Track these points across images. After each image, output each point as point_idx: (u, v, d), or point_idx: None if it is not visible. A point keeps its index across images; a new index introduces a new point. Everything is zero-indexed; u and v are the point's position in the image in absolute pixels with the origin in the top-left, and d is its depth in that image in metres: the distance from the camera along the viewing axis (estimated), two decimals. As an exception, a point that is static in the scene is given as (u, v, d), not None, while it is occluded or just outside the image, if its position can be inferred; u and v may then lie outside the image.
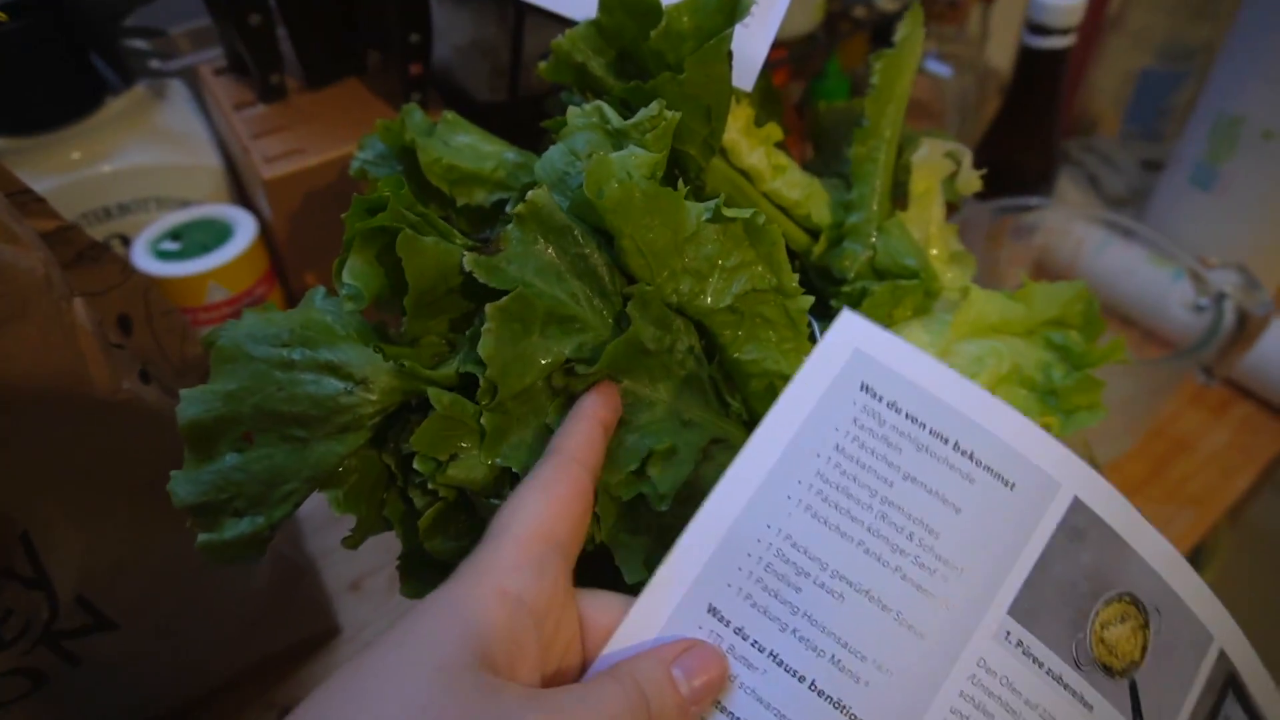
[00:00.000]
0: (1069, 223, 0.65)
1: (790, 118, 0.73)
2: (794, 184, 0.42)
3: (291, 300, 0.65)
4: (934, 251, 0.43)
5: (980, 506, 0.27)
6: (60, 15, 0.57)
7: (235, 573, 0.43)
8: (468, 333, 0.31)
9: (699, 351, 0.33)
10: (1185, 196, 0.72)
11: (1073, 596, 0.27)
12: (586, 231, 0.31)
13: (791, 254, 0.35)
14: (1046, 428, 0.28)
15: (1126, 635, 0.27)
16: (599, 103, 0.34)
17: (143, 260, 0.57)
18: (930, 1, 0.76)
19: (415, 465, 0.29)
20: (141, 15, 0.62)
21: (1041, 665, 0.26)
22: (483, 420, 0.30)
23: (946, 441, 0.27)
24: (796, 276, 0.34)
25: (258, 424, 0.29)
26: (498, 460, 0.30)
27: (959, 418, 0.27)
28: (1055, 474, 0.27)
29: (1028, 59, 0.67)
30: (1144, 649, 0.28)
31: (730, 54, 0.34)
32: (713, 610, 0.27)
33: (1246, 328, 0.57)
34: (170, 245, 0.58)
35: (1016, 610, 0.26)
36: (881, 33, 0.77)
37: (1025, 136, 0.70)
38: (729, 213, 0.32)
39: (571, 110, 0.34)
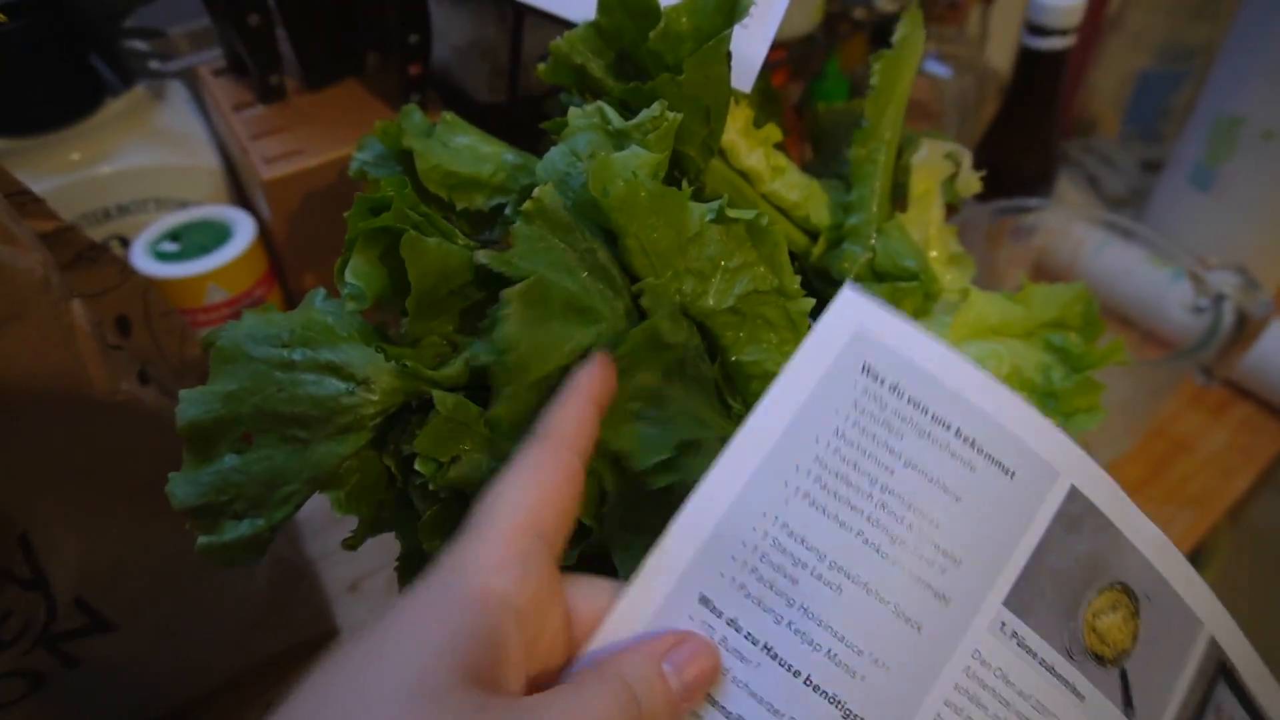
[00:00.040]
0: (1068, 224, 0.65)
1: (790, 118, 0.73)
2: (793, 185, 0.42)
3: (291, 301, 0.65)
4: (933, 253, 0.43)
5: (981, 495, 0.26)
6: (60, 16, 0.57)
7: (234, 574, 0.43)
8: (481, 324, 0.30)
9: (703, 352, 0.33)
10: (1184, 197, 0.72)
11: (1067, 586, 0.27)
12: (590, 230, 0.31)
13: (791, 255, 0.35)
14: (1045, 422, 0.28)
15: (1118, 624, 0.27)
16: (600, 103, 0.34)
17: (142, 261, 0.56)
18: (930, 2, 0.76)
19: (417, 467, 0.29)
20: (141, 16, 0.62)
21: (1035, 656, 0.26)
22: (491, 412, 0.29)
23: (949, 428, 0.26)
24: (798, 279, 0.34)
25: (258, 425, 0.29)
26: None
27: (961, 402, 0.27)
28: (1055, 462, 0.27)
29: (1027, 60, 0.67)
30: (1135, 637, 0.27)
31: (729, 55, 0.34)
32: (705, 601, 0.25)
33: (1246, 328, 0.57)
34: (169, 246, 0.58)
35: (1012, 601, 0.26)
36: (881, 33, 0.77)
37: (1025, 137, 0.70)
38: (732, 213, 0.32)
39: (572, 111, 0.34)
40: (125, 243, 0.62)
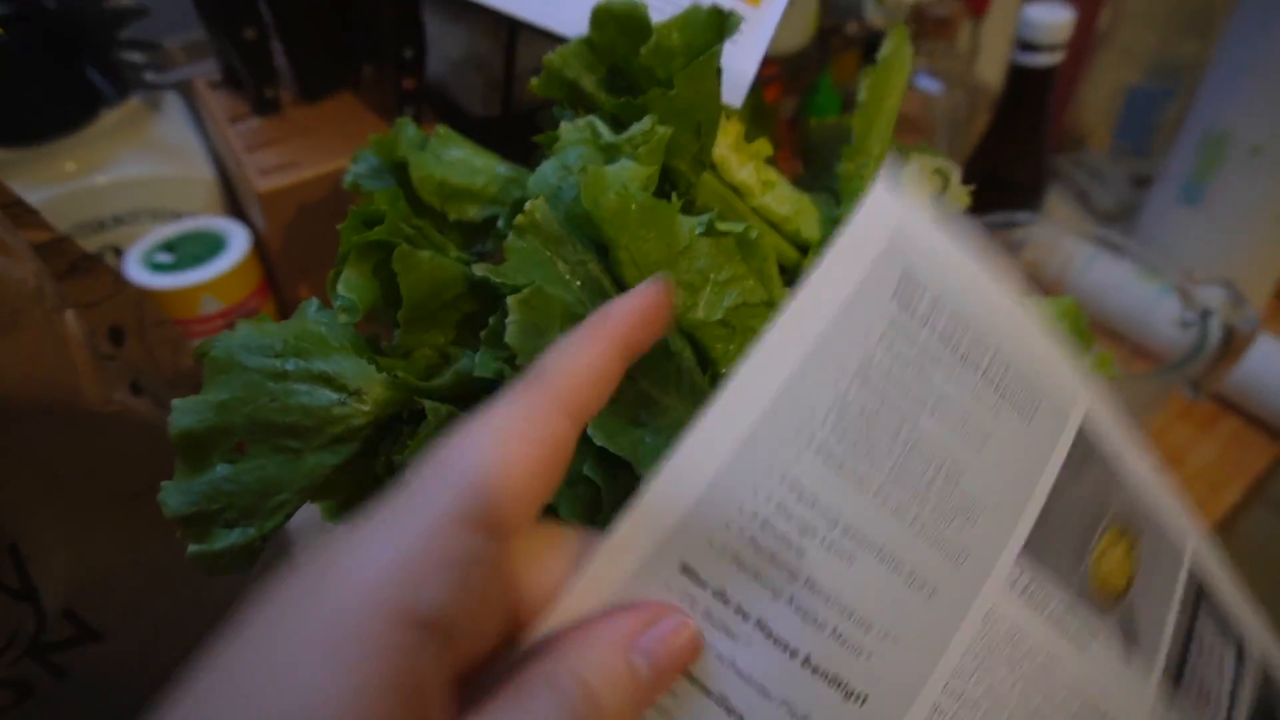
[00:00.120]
0: (1057, 238, 0.66)
1: (783, 133, 0.73)
2: (783, 199, 0.43)
3: (285, 312, 0.65)
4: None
5: (1003, 441, 0.23)
6: (55, 27, 0.58)
7: (224, 584, 0.43)
8: (482, 333, 0.30)
9: (696, 364, 0.33)
10: (1173, 212, 0.72)
11: (1076, 529, 0.24)
12: (582, 243, 0.31)
13: (781, 269, 0.36)
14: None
15: (1119, 561, 0.25)
16: (591, 118, 0.34)
17: (136, 272, 0.57)
18: (921, 18, 0.77)
19: (407, 477, 0.29)
20: (137, 28, 0.62)
21: (1044, 610, 0.24)
22: None
23: (977, 367, 0.23)
24: (787, 292, 0.34)
25: (250, 435, 0.29)
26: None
27: (990, 336, 0.23)
28: (1068, 397, 0.24)
29: (1017, 75, 0.67)
30: (1134, 573, 0.26)
31: (719, 71, 0.35)
32: (687, 570, 0.21)
33: (1233, 343, 0.57)
34: (164, 257, 0.58)
35: (1026, 553, 0.23)
36: (874, 48, 0.77)
37: (1015, 152, 0.71)
38: (722, 227, 0.32)
39: (564, 125, 0.35)
40: (120, 253, 0.62)
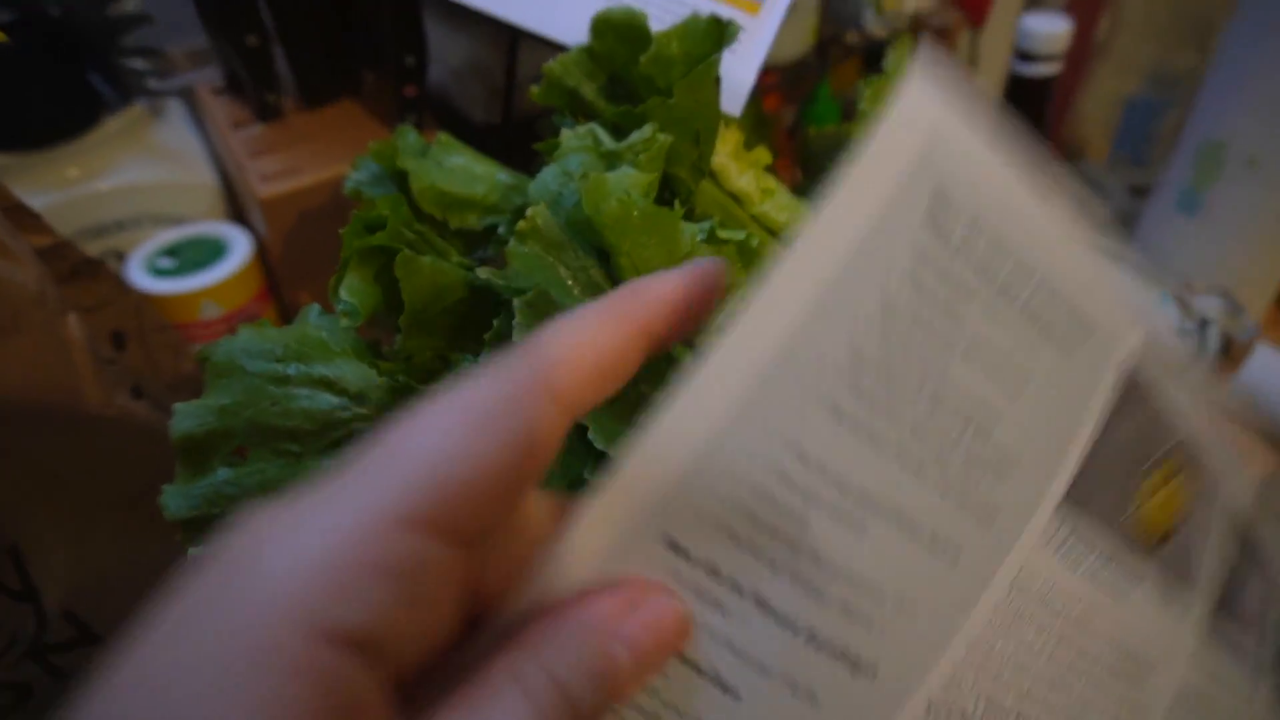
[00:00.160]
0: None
1: (782, 141, 0.73)
2: (783, 207, 0.43)
3: (286, 317, 0.65)
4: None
5: (1043, 383, 0.20)
6: (59, 34, 0.58)
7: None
8: (486, 335, 0.30)
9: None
10: (1172, 221, 0.73)
11: (1124, 471, 0.22)
12: (583, 249, 0.32)
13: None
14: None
15: (1170, 499, 0.23)
16: (592, 125, 0.35)
17: (138, 277, 0.57)
18: (920, 28, 0.77)
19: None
20: (140, 35, 0.62)
21: (1083, 562, 0.21)
22: None
23: (1017, 299, 0.20)
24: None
25: (251, 438, 0.29)
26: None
27: (1034, 262, 0.20)
28: (1121, 329, 0.21)
29: (1016, 85, 0.68)
30: (1189, 506, 0.24)
31: (718, 79, 0.35)
32: (673, 546, 0.18)
33: (1230, 353, 0.57)
34: (166, 262, 0.58)
35: (1066, 503, 0.21)
36: (873, 58, 0.78)
37: (1013, 161, 0.71)
38: (723, 234, 0.32)
39: (565, 133, 0.35)
40: (122, 258, 0.63)
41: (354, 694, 0.14)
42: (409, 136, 0.41)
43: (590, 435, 0.27)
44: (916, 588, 0.19)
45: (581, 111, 0.40)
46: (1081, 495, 0.21)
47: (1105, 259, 0.21)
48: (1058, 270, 0.20)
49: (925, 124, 0.18)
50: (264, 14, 0.60)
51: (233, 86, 0.67)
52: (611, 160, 0.33)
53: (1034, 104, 0.68)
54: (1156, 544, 0.23)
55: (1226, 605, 0.25)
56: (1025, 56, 0.65)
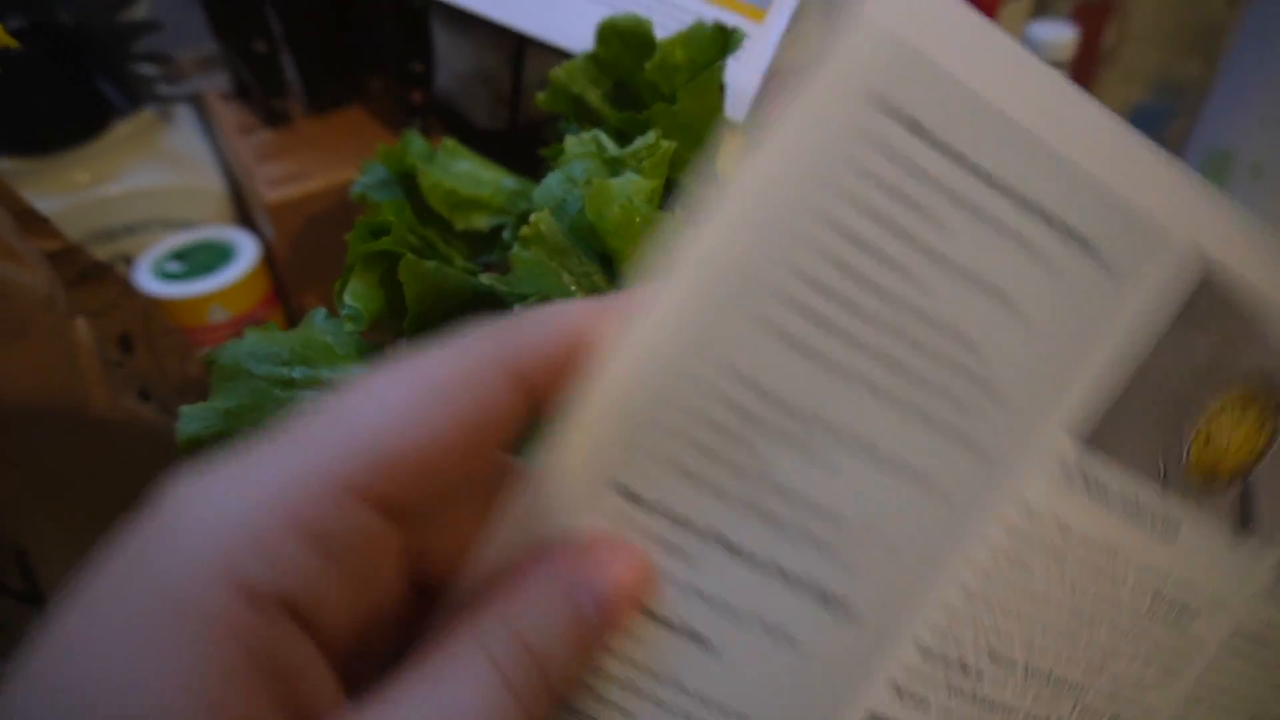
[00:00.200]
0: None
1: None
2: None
3: (292, 321, 0.66)
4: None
5: (1052, 295, 0.18)
6: (69, 41, 0.58)
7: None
8: None
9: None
10: (1177, 229, 0.72)
11: (1172, 395, 0.20)
12: (587, 255, 0.32)
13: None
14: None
15: (1244, 431, 0.21)
16: (596, 131, 0.35)
17: (146, 281, 0.57)
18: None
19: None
20: (149, 41, 0.63)
21: (1108, 497, 0.20)
22: None
23: (1006, 194, 0.17)
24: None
25: (255, 442, 0.29)
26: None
27: (1039, 153, 0.17)
28: (1171, 225, 0.18)
29: (1021, 93, 0.68)
30: (1269, 441, 0.21)
31: (723, 86, 0.35)
32: (624, 491, 0.18)
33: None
34: (174, 266, 0.59)
35: (1086, 430, 0.19)
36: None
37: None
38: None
39: (569, 139, 0.35)
40: (130, 262, 0.63)
41: (284, 659, 0.14)
42: (415, 142, 0.41)
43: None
44: (888, 519, 0.18)
45: (586, 118, 0.40)
46: (1108, 423, 0.19)
47: (1145, 156, 0.18)
48: (1047, 184, 0.18)
49: (872, 35, 0.16)
50: (272, 21, 0.60)
51: (241, 92, 0.68)
52: (615, 166, 0.34)
53: (1039, 111, 0.68)
54: (1225, 481, 0.21)
55: None
56: (1030, 64, 0.66)
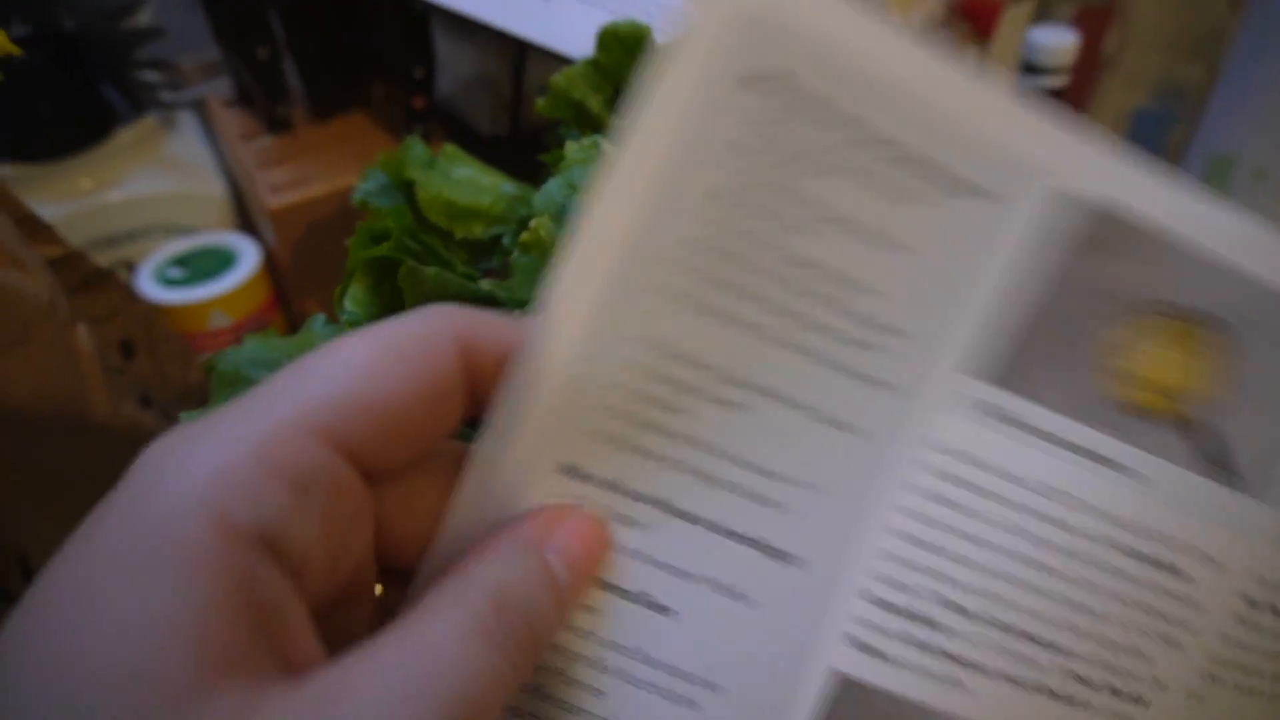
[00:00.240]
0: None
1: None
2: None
3: (293, 327, 0.66)
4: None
5: (944, 236, 0.19)
6: (73, 47, 0.59)
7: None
8: None
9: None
10: (1179, 234, 0.72)
11: (1084, 332, 0.20)
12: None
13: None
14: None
15: (1170, 361, 0.21)
16: (596, 137, 0.35)
17: (148, 287, 0.57)
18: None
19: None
20: (153, 48, 0.63)
21: (1030, 434, 0.20)
22: None
23: (893, 144, 0.18)
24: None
25: (255, 448, 0.29)
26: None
27: (914, 104, 0.19)
28: (1037, 158, 0.19)
29: (1022, 98, 0.68)
30: (1221, 381, 0.21)
31: (725, 92, 0.35)
32: (569, 470, 0.19)
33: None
34: (176, 272, 0.59)
35: (994, 366, 0.20)
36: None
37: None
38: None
39: (570, 144, 0.35)
40: (132, 268, 0.63)
41: (267, 596, 0.14)
42: (416, 148, 0.41)
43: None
44: (817, 465, 0.19)
45: (587, 124, 0.40)
46: (1026, 363, 0.20)
47: (1003, 99, 0.20)
48: (935, 134, 0.19)
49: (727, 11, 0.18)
50: (275, 27, 0.61)
51: (243, 99, 0.68)
52: (616, 172, 0.34)
53: (1041, 116, 0.68)
54: (1165, 421, 0.21)
55: None
56: (1033, 69, 0.66)
